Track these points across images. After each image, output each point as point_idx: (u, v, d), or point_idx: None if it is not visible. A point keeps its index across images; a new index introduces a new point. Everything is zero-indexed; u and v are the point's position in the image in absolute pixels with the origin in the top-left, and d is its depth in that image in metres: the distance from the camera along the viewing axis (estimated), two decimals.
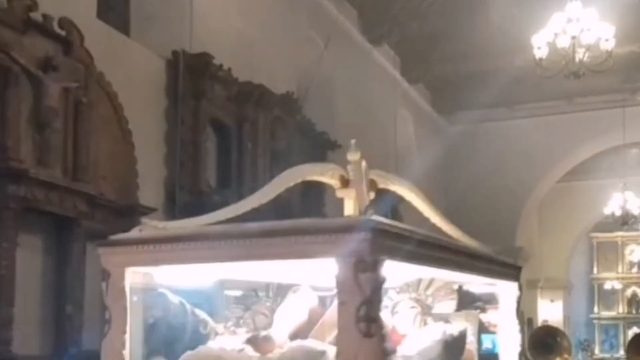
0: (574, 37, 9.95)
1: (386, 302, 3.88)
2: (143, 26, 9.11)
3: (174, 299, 3.70)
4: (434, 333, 3.83)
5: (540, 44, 10.11)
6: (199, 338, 3.76)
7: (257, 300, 4.34)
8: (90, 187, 7.33)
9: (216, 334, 3.90)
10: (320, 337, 3.86)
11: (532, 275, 19.04)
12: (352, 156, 3.68)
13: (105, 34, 8.16)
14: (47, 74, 6.98)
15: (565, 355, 13.06)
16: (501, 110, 17.50)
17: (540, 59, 10.16)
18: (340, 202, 3.88)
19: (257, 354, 3.61)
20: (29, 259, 6.87)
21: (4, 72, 6.63)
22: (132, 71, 8.35)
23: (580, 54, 9.98)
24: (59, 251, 7.15)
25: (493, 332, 4.41)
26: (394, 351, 2.89)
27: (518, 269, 4.37)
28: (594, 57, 10.12)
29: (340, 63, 12.88)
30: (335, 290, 2.92)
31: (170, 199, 8.72)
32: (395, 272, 2.90)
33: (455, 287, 4.31)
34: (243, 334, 4.02)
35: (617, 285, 23.52)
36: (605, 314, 23.67)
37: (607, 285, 23.57)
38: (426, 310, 4.16)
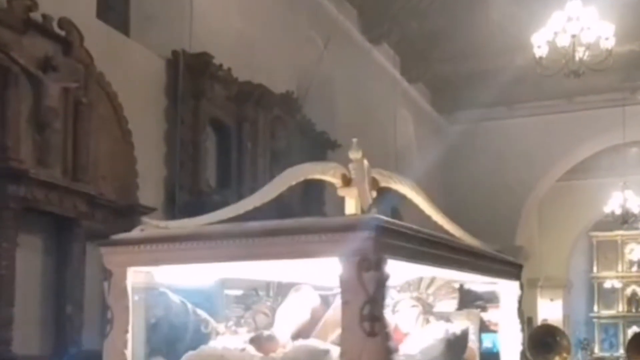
0: (574, 36, 9.95)
1: (387, 301, 3.87)
2: (143, 26, 9.11)
3: (175, 298, 3.70)
4: (437, 332, 3.83)
5: (540, 43, 10.11)
6: (200, 338, 3.76)
7: (258, 299, 4.34)
8: (90, 187, 7.32)
9: (217, 333, 3.90)
10: (323, 336, 3.85)
11: (532, 274, 19.03)
12: (354, 155, 3.67)
13: (105, 34, 8.16)
14: (46, 74, 6.97)
15: (565, 355, 13.05)
16: (501, 109, 17.50)
17: (540, 58, 10.15)
18: (340, 202, 3.87)
19: (259, 354, 3.61)
20: (29, 259, 6.87)
21: (3, 72, 6.63)
22: (132, 71, 8.35)
23: (580, 53, 9.98)
24: (59, 251, 7.14)
25: (494, 331, 4.41)
26: (396, 350, 2.88)
27: (519, 267, 4.37)
28: (594, 55, 10.11)
29: (340, 63, 12.88)
30: (336, 289, 2.91)
31: (170, 198, 8.72)
32: (397, 270, 2.89)
33: (456, 285, 4.31)
34: (244, 333, 4.02)
35: (617, 284, 23.52)
36: (605, 312, 23.66)
37: (607, 284, 23.57)
38: (427, 309, 4.16)
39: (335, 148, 11.43)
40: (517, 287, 4.28)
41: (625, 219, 17.46)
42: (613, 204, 17.30)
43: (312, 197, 10.82)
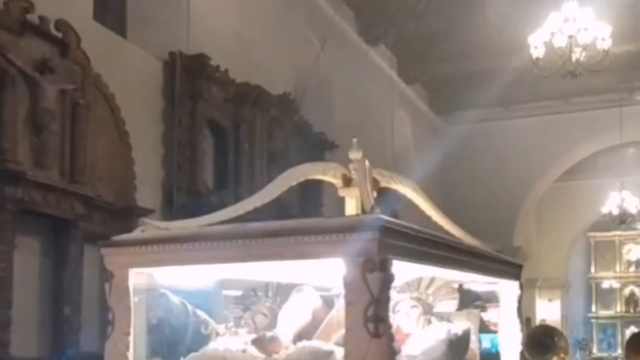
0: (570, 37, 9.95)
1: None
2: (140, 27, 9.10)
3: (175, 299, 3.69)
4: (438, 332, 3.82)
5: (537, 44, 10.11)
6: (200, 339, 3.75)
7: (257, 300, 4.32)
8: (87, 189, 7.32)
9: (217, 334, 3.89)
10: (325, 337, 3.83)
11: (530, 275, 19.02)
12: (355, 155, 3.66)
13: (102, 35, 8.15)
14: (44, 76, 6.97)
15: (563, 355, 13.04)
16: (498, 110, 17.51)
17: (537, 59, 10.15)
18: (338, 203, 3.87)
19: (262, 355, 3.59)
20: (27, 261, 6.86)
21: (0, 74, 6.62)
22: (129, 73, 8.34)
23: (577, 54, 9.98)
24: (57, 253, 7.13)
25: (493, 331, 4.41)
26: (398, 351, 2.88)
27: (519, 267, 4.37)
28: (591, 56, 10.11)
29: (337, 64, 12.88)
30: (337, 290, 2.90)
31: (168, 200, 8.71)
32: (398, 270, 2.88)
33: (456, 286, 4.30)
34: (244, 334, 4.01)
35: (615, 285, 23.52)
36: (603, 313, 23.66)
37: (605, 285, 23.57)
38: (427, 309, 4.15)
39: (332, 149, 11.43)
40: (517, 287, 4.28)
41: (622, 220, 17.46)
42: (610, 205, 17.30)
43: (310, 198, 10.82)
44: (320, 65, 12.05)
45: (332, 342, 3.74)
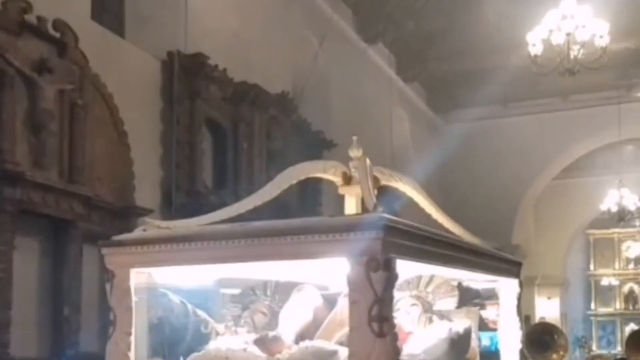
0: (568, 34, 9.94)
1: None
2: (138, 27, 9.10)
3: (175, 299, 3.68)
4: (440, 331, 3.81)
5: (535, 41, 10.10)
6: (200, 338, 3.75)
7: (255, 298, 4.31)
8: (86, 189, 7.31)
9: (217, 333, 3.88)
10: (327, 336, 3.82)
11: (529, 273, 18.98)
12: (355, 153, 3.65)
13: (100, 35, 8.15)
14: (42, 76, 6.96)
15: (562, 353, 13.03)
16: (497, 108, 17.52)
17: (535, 56, 10.15)
18: (338, 202, 3.86)
19: (264, 355, 3.58)
20: (26, 261, 6.86)
21: None
22: (127, 72, 8.34)
23: (575, 51, 9.97)
24: (56, 253, 7.13)
25: (492, 329, 4.40)
26: (400, 350, 2.87)
27: (519, 265, 4.37)
28: (589, 53, 10.11)
29: (335, 62, 12.88)
30: (337, 289, 2.89)
31: (167, 199, 8.71)
32: (399, 269, 2.87)
33: (455, 283, 4.29)
34: (244, 333, 4.00)
35: (614, 282, 23.52)
36: (603, 310, 23.66)
37: (604, 282, 23.57)
38: (427, 308, 4.14)
39: (331, 148, 11.43)
40: (517, 284, 4.27)
41: (621, 217, 17.46)
42: (609, 202, 17.30)
43: (309, 197, 10.82)
44: (318, 64, 12.05)
45: (334, 341, 3.73)
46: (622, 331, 22.69)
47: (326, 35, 12.08)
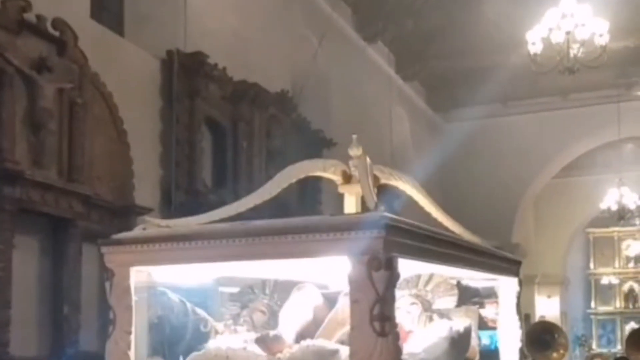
0: (568, 33, 9.94)
1: None
2: (137, 26, 9.09)
3: (175, 297, 3.67)
4: (440, 330, 3.80)
5: (534, 40, 10.11)
6: (199, 337, 3.74)
7: (254, 297, 4.30)
8: (85, 188, 7.31)
9: (216, 332, 3.87)
10: (327, 335, 3.80)
11: (529, 272, 18.99)
12: (355, 151, 3.64)
13: (100, 34, 8.14)
14: (41, 74, 6.96)
15: (562, 351, 13.03)
16: (496, 107, 17.52)
17: (535, 55, 10.15)
18: (337, 200, 3.85)
19: (265, 354, 3.57)
20: (26, 260, 6.86)
21: None
22: (127, 71, 8.33)
23: (574, 50, 9.97)
24: (56, 252, 7.13)
25: (492, 328, 4.40)
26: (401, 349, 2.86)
27: (518, 263, 4.36)
28: (589, 52, 10.11)
29: (335, 61, 12.87)
30: (336, 287, 2.87)
31: (167, 198, 8.71)
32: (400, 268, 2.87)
33: (454, 282, 4.29)
34: (244, 332, 3.99)
35: (614, 281, 23.52)
36: (602, 309, 23.66)
37: (604, 281, 23.57)
38: (427, 306, 4.13)
39: (330, 146, 11.43)
40: (516, 283, 4.27)
41: (621, 215, 17.46)
42: (609, 201, 17.30)
43: (309, 196, 10.82)
44: (318, 62, 12.05)
45: (334, 340, 3.72)
46: (622, 330, 22.68)
47: (326, 34, 12.07)
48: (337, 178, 3.74)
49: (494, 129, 17.68)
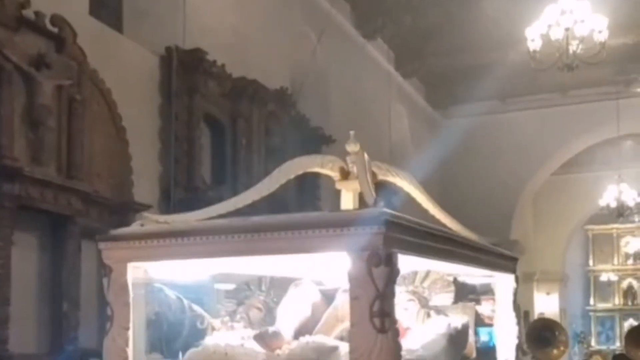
0: (567, 29, 9.94)
1: None
2: (136, 22, 9.08)
3: (172, 294, 3.67)
4: (438, 326, 3.80)
5: (533, 36, 10.10)
6: (196, 333, 3.74)
7: (250, 294, 4.29)
8: (84, 185, 7.31)
9: (213, 329, 3.87)
10: (326, 332, 3.81)
11: (528, 268, 19.04)
12: (352, 147, 3.63)
13: (98, 30, 8.14)
14: (40, 71, 6.95)
15: (562, 348, 13.05)
16: (496, 104, 17.51)
17: (534, 51, 10.15)
18: (336, 197, 3.85)
19: (264, 350, 3.56)
20: (25, 257, 6.85)
21: None
22: (126, 68, 8.33)
23: (573, 46, 9.97)
24: (55, 249, 7.13)
25: (488, 325, 4.40)
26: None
27: (515, 260, 4.36)
28: (588, 48, 10.11)
29: (334, 58, 12.86)
30: (334, 284, 2.87)
31: (166, 195, 8.71)
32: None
33: (451, 279, 4.29)
34: (241, 329, 3.99)
35: (613, 277, 23.52)
36: (601, 306, 23.67)
37: (603, 277, 23.57)
38: (424, 303, 4.14)
39: (329, 143, 11.42)
40: (513, 280, 4.27)
41: (620, 212, 17.47)
42: (608, 197, 17.31)
43: (307, 192, 10.82)
44: (317, 59, 12.04)
45: (333, 336, 3.72)
46: (621, 327, 22.71)
47: (325, 30, 12.06)
48: (334, 174, 3.74)
49: (493, 125, 17.67)
